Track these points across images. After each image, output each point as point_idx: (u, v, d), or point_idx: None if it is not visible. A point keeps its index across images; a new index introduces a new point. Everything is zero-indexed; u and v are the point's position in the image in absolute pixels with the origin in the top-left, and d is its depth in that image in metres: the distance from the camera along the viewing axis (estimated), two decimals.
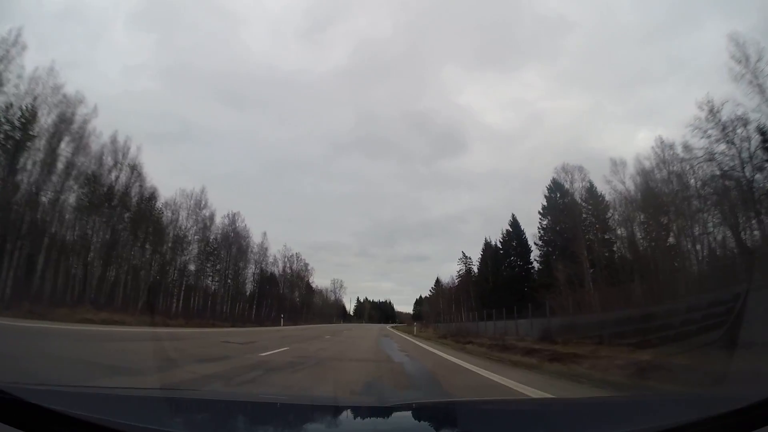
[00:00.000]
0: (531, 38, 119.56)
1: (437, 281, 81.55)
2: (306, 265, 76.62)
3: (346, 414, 2.06)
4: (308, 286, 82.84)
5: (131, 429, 1.34)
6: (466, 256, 65.19)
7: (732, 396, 1.77)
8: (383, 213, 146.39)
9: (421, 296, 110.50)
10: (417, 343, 21.34)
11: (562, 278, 27.93)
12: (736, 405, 1.31)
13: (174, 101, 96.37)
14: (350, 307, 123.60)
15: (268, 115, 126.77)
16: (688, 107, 56.98)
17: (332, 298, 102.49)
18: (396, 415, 2.00)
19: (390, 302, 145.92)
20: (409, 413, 2.08)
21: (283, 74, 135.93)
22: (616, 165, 27.43)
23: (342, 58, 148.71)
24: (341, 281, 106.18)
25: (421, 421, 1.97)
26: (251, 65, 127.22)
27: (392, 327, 71.75)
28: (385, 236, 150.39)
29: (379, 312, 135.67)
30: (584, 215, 32.76)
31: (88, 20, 72.62)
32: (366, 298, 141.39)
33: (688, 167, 22.10)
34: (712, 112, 19.03)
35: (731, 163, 18.65)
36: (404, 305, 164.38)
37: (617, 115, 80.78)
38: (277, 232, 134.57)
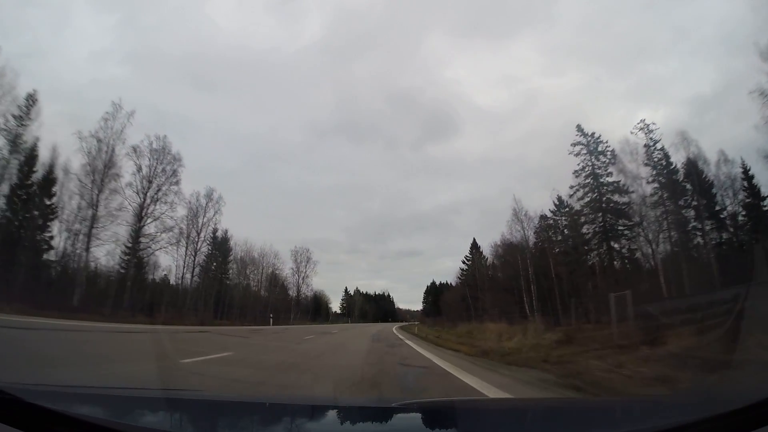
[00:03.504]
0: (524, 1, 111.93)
1: (474, 245, 54.56)
2: (209, 196, 39.15)
3: (346, 414, 2.05)
4: (222, 244, 43.04)
5: (131, 429, 1.34)
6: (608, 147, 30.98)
7: (732, 396, 1.79)
8: (372, 205, 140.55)
9: (434, 282, 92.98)
10: None
11: None
12: (736, 405, 1.32)
13: (144, 88, 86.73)
14: (336, 300, 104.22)
15: (244, 100, 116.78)
16: (692, 83, 53.26)
17: (293, 281, 65.69)
18: (396, 415, 2.00)
19: (389, 295, 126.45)
20: (409, 413, 2.08)
21: (256, 53, 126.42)
22: None
23: (316, 31, 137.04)
24: (308, 251, 67.33)
25: (422, 422, 1.97)
26: (221, 45, 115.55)
27: (414, 336, 23.86)
28: (375, 231, 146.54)
29: (374, 307, 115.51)
30: None
31: (52, 3, 67.87)
32: (357, 290, 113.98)
33: None
34: None
35: None
36: (402, 303, 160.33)
37: (617, 92, 74.73)
38: (262, 230, 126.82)
